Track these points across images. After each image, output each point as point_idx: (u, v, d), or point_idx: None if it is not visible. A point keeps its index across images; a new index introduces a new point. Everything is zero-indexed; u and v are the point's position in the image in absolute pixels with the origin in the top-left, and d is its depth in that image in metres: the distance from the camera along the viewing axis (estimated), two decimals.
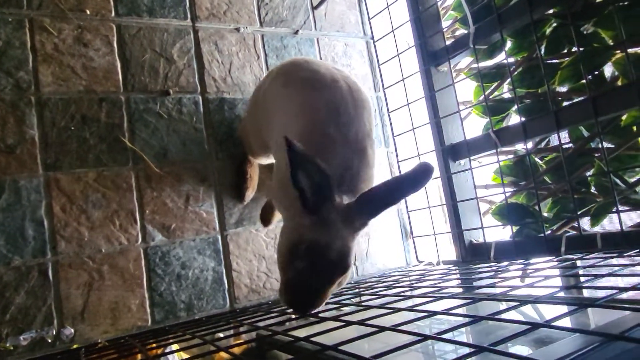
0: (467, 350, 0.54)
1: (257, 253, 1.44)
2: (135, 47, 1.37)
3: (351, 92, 1.08)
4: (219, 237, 1.39)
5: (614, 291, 0.73)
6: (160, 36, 1.41)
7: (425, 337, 0.67)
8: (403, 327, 0.70)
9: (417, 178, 0.87)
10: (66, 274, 1.19)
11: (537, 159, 1.46)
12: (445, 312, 0.70)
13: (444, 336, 0.59)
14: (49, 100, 1.24)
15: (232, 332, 1.31)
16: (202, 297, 1.34)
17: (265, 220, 1.44)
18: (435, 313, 0.82)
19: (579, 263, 1.07)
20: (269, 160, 1.39)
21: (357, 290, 1.31)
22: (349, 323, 0.82)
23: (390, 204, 0.89)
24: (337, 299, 1.17)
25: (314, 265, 0.85)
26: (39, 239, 1.18)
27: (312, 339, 0.76)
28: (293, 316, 1.38)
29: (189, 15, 1.47)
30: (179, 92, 1.41)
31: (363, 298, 1.16)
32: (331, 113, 1.01)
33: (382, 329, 0.74)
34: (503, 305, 1.03)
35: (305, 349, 0.98)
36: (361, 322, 0.79)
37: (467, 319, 0.68)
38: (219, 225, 1.40)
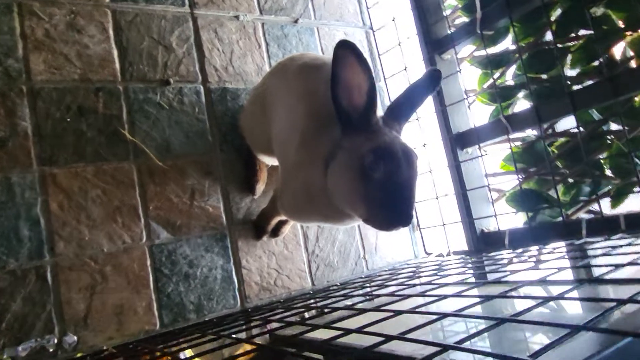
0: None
1: (267, 249, 1.38)
2: (132, 34, 1.29)
3: None
4: (227, 233, 1.32)
5: None
6: (158, 23, 1.34)
7: (445, 315, 0.64)
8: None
9: (430, 81, 0.97)
10: (66, 277, 1.10)
11: (543, 145, 1.45)
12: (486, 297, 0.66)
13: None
14: (41, 89, 1.15)
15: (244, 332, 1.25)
16: (211, 297, 1.26)
17: (276, 230, 1.37)
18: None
19: (607, 244, 1.05)
20: (273, 160, 1.33)
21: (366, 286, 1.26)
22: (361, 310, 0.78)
23: (416, 106, 0.98)
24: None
25: (393, 164, 0.83)
26: (35, 239, 1.08)
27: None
28: (306, 314, 1.33)
29: (186, 2, 1.40)
30: (180, 81, 1.34)
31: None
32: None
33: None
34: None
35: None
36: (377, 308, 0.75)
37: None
38: (227, 220, 1.33)
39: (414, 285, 0.99)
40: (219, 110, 1.38)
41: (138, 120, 1.25)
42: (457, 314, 0.65)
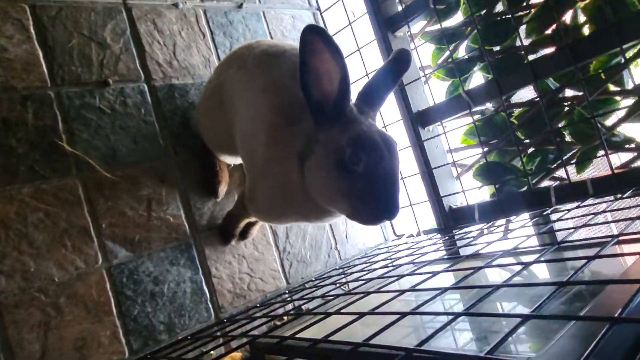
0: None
1: (236, 253, 1.29)
2: (59, 32, 1.13)
3: None
4: (192, 242, 1.22)
5: None
6: (87, 17, 1.18)
7: (459, 315, 0.61)
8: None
9: (399, 63, 0.91)
10: (13, 317, 0.96)
11: (505, 116, 1.45)
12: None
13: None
14: None
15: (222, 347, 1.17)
16: (183, 313, 1.16)
17: (244, 233, 1.29)
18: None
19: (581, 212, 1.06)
20: (235, 159, 1.24)
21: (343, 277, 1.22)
22: (361, 315, 0.73)
23: (389, 91, 0.92)
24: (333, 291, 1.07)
25: (375, 154, 0.78)
26: None
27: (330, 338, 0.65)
28: (285, 318, 1.27)
29: None
30: (120, 81, 1.20)
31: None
32: (296, 77, 0.90)
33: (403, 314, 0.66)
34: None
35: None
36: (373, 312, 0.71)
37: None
38: (190, 228, 1.23)
39: (402, 275, 0.95)
40: (168, 110, 1.26)
41: (77, 128, 1.11)
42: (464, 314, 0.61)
